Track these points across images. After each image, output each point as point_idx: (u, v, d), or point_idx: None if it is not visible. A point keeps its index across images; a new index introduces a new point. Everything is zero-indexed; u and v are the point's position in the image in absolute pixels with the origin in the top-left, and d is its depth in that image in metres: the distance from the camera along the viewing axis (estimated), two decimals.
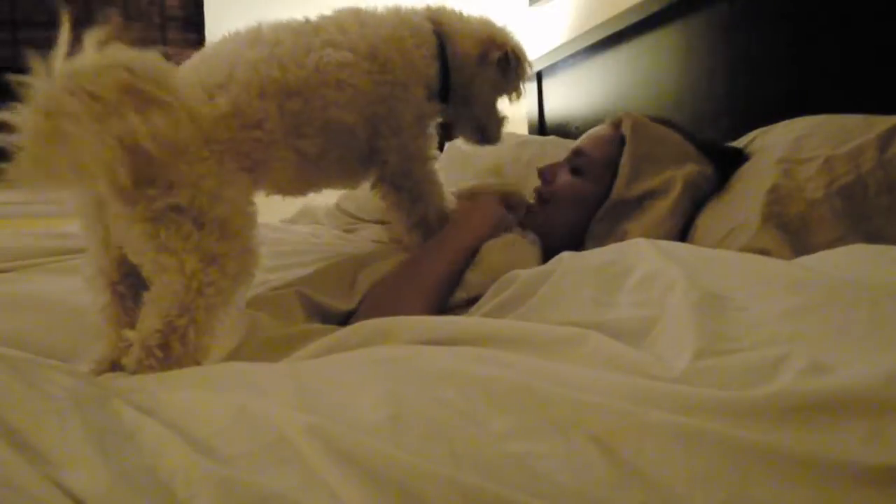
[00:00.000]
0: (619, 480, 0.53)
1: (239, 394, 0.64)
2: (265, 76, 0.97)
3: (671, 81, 1.91)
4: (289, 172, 1.03)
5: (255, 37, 1.02)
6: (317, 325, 1.04)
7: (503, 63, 1.21)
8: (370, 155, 1.14)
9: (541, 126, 2.62)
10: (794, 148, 1.18)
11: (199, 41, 2.97)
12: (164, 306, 0.87)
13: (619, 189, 1.26)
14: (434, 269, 1.14)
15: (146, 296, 0.90)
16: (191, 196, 0.88)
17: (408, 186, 1.18)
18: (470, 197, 1.31)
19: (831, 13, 1.43)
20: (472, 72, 1.20)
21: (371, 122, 1.09)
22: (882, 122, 1.13)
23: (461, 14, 1.23)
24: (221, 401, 0.61)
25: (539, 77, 2.61)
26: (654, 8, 1.89)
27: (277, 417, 0.57)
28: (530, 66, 1.27)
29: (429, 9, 1.21)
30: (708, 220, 1.22)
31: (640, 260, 0.91)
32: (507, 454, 0.54)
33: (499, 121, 1.28)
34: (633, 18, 1.98)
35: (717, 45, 1.75)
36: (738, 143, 1.37)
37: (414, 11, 1.18)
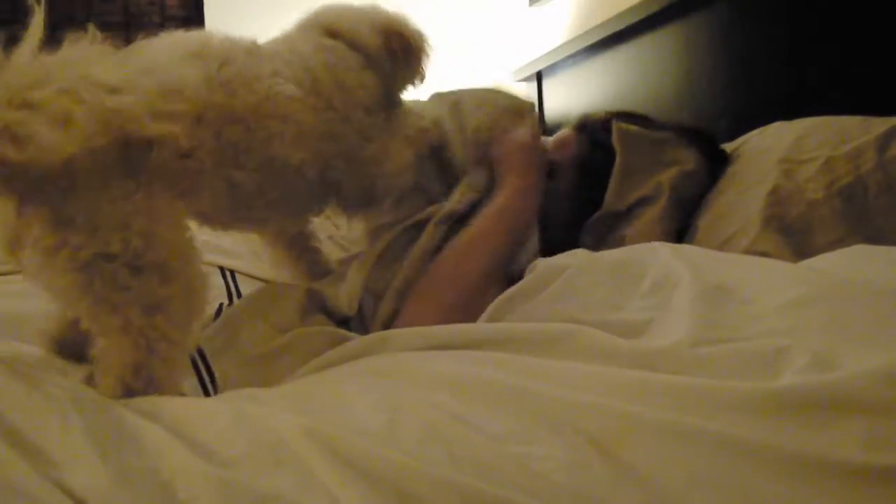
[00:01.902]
0: (616, 481, 0.53)
1: (237, 401, 0.64)
2: (206, 100, 0.86)
3: (671, 81, 1.91)
4: (218, 202, 0.93)
5: (201, 49, 0.91)
6: (300, 332, 1.00)
7: (406, 51, 1.11)
8: (324, 190, 1.05)
9: (541, 126, 2.62)
10: (793, 148, 1.18)
11: None
12: (117, 370, 0.78)
13: (609, 202, 1.25)
14: (476, 268, 1.07)
15: (96, 352, 0.80)
16: (123, 241, 0.77)
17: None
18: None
19: (831, 13, 1.43)
20: (386, 65, 1.09)
21: (321, 158, 1.01)
22: (880, 124, 1.13)
23: (349, 7, 1.11)
24: (220, 406, 0.61)
25: (539, 77, 2.61)
26: (654, 8, 1.89)
27: (275, 421, 0.57)
28: (428, 46, 1.14)
29: (317, 18, 1.08)
30: (709, 223, 1.22)
31: (654, 263, 0.90)
32: (505, 456, 0.55)
33: None
34: (633, 18, 1.98)
35: (717, 45, 1.75)
36: (734, 145, 1.37)
37: (307, 30, 1.07)
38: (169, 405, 0.64)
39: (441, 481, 0.50)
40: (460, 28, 3.18)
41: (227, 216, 0.99)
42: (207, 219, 0.97)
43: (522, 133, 1.20)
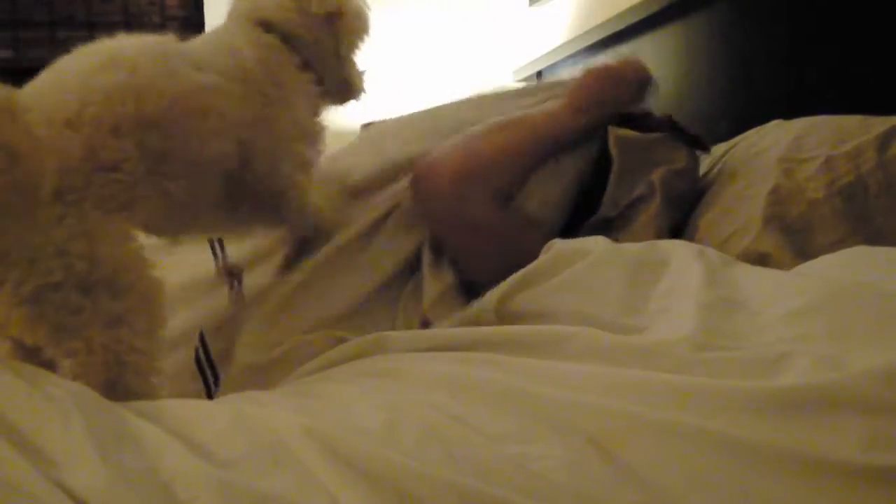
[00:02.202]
0: (615, 481, 0.53)
1: (236, 402, 0.64)
2: (118, 111, 0.82)
3: (671, 81, 1.90)
4: (157, 213, 0.89)
5: (114, 57, 0.87)
6: (299, 340, 1.00)
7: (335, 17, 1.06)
8: (239, 192, 0.97)
9: None
10: (793, 147, 1.18)
11: None
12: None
13: (604, 209, 1.24)
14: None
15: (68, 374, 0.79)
16: (64, 267, 0.76)
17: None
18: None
19: (831, 13, 1.43)
20: (327, 45, 1.06)
21: (245, 148, 0.94)
22: (880, 123, 1.13)
23: None
24: (219, 407, 0.62)
25: (539, 77, 2.61)
26: (654, 8, 1.89)
27: (275, 421, 0.57)
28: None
29: (241, 6, 1.03)
30: (710, 221, 1.22)
31: (674, 268, 0.89)
32: (504, 456, 0.55)
33: (360, 72, 1.14)
34: (633, 18, 1.98)
35: (717, 45, 1.75)
36: (731, 144, 1.37)
37: (238, 22, 1.02)
38: (169, 406, 0.64)
39: (440, 481, 0.50)
40: (460, 28, 3.18)
41: (170, 225, 0.95)
42: (153, 229, 0.94)
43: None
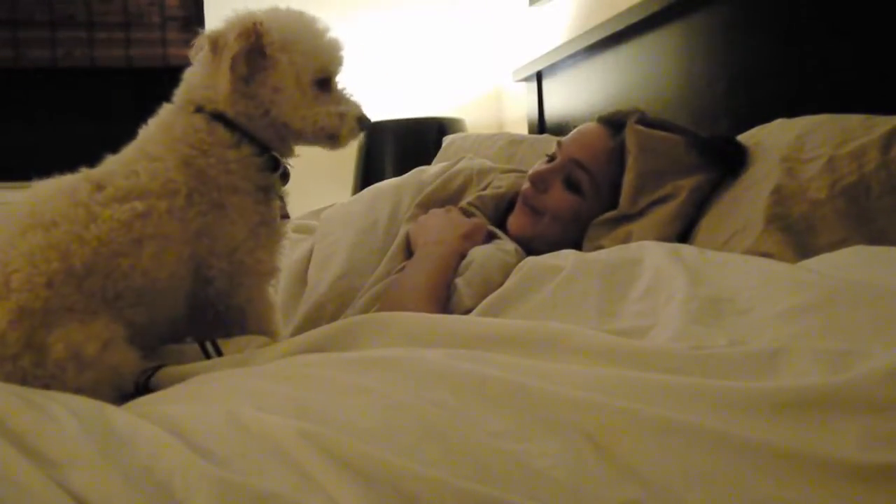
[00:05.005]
0: (614, 477, 0.53)
1: (232, 403, 0.64)
2: (45, 269, 0.84)
3: (671, 81, 1.90)
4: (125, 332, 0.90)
5: (31, 216, 0.88)
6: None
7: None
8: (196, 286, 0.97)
9: (540, 126, 2.61)
10: (795, 147, 1.18)
11: None
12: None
13: (624, 206, 1.25)
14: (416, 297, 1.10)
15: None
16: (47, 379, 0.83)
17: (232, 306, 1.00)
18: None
19: (831, 13, 1.43)
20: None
21: (194, 258, 0.94)
22: (883, 123, 1.13)
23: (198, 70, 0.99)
24: (215, 410, 0.61)
25: (539, 77, 2.61)
26: (654, 8, 1.89)
27: (270, 424, 0.57)
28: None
29: (186, 97, 0.99)
30: (711, 221, 1.21)
31: (648, 267, 0.90)
32: (503, 453, 0.55)
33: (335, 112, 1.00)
34: (633, 18, 1.98)
35: (717, 44, 1.74)
36: None
37: (182, 109, 0.98)
38: (163, 410, 0.63)
39: (438, 482, 0.50)
40: (461, 28, 3.18)
41: (137, 340, 0.92)
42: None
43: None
